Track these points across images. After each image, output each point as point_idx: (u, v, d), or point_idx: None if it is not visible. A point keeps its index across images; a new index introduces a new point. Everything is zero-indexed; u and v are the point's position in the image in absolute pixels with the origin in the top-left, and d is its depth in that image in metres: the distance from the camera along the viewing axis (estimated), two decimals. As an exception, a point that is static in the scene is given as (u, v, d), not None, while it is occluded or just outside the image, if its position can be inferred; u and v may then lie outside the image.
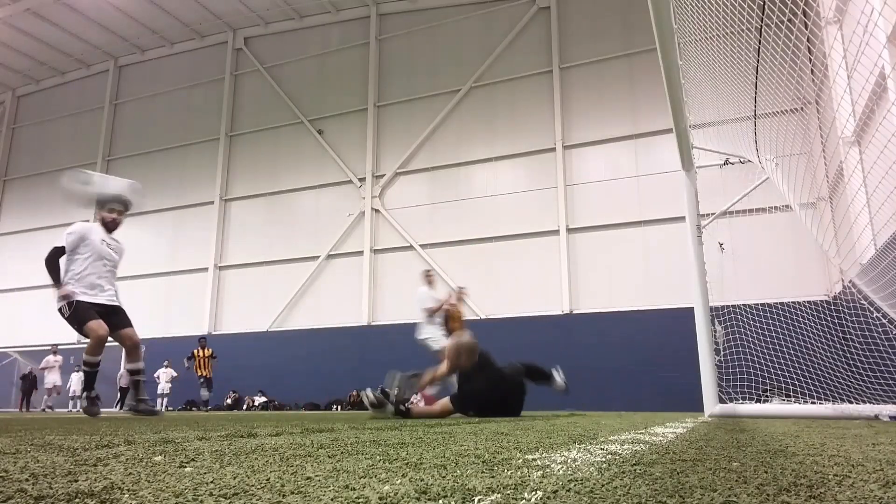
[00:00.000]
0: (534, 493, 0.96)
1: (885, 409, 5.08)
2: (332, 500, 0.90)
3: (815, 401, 6.03)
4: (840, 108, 7.44)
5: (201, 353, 15.82)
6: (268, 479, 1.09)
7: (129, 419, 4.62)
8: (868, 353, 6.79)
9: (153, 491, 0.96)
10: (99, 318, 5.29)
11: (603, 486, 1.05)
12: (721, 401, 6.09)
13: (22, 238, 23.39)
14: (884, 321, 5.82)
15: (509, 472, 1.20)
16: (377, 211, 18.15)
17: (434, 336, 8.30)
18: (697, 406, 6.28)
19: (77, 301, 5.27)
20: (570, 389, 6.38)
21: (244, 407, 17.35)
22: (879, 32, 5.53)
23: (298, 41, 20.73)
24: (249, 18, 20.96)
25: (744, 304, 8.21)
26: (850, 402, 5.70)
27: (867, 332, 7.14)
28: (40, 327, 20.58)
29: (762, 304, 8.30)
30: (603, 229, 15.53)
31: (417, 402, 7.22)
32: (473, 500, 0.91)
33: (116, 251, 5.77)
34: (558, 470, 1.26)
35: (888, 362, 6.69)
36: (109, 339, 5.43)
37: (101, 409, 5.71)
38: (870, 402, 5.72)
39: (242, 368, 17.17)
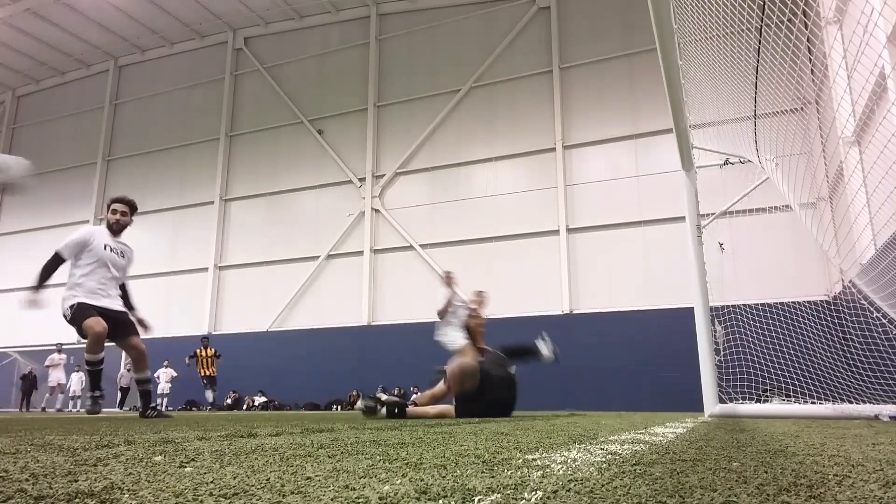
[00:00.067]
0: (534, 493, 0.96)
1: (885, 409, 5.08)
2: (332, 500, 0.90)
3: (815, 401, 6.03)
4: (840, 108, 7.44)
5: (204, 353, 15.76)
6: (268, 479, 1.09)
7: (129, 419, 4.63)
8: (868, 353, 6.79)
9: (153, 491, 0.96)
10: (97, 316, 5.11)
11: (603, 486, 1.05)
12: (721, 401, 6.09)
13: (22, 238, 23.40)
14: (884, 321, 5.82)
15: (509, 472, 1.20)
16: (377, 211, 18.15)
17: (452, 338, 8.26)
18: (697, 406, 6.28)
19: (78, 303, 5.13)
20: (560, 357, 6.37)
21: (244, 407, 17.35)
22: (879, 32, 5.53)
23: (298, 41, 20.73)
24: (249, 18, 20.96)
25: (744, 304, 8.21)
26: (850, 402, 5.70)
27: (867, 332, 7.14)
28: (40, 327, 20.55)
29: (762, 304, 8.30)
30: (603, 229, 15.53)
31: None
32: (473, 500, 0.91)
33: (123, 256, 5.51)
34: (558, 470, 1.26)
35: (888, 362, 6.69)
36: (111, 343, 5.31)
37: (102, 410, 5.66)
38: (870, 402, 5.72)
39: (242, 368, 17.16)
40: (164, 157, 21.92)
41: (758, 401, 7.05)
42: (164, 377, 17.23)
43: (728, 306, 7.84)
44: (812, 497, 0.97)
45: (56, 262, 5.18)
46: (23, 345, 21.82)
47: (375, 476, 1.15)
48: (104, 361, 5.30)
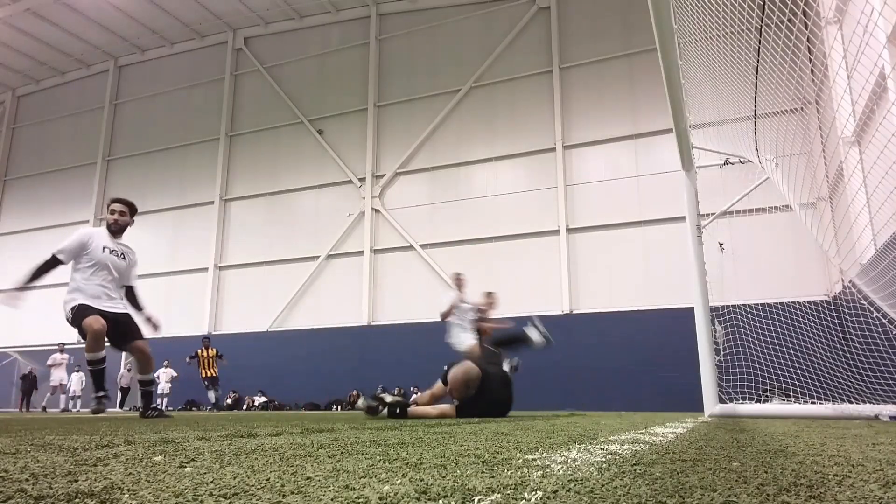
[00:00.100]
0: (534, 493, 0.96)
1: (885, 409, 5.08)
2: (332, 500, 0.90)
3: (815, 401, 6.03)
4: (840, 108, 7.44)
5: (205, 354, 15.70)
6: (268, 479, 1.09)
7: (129, 419, 4.63)
8: (868, 353, 6.79)
9: (153, 491, 0.96)
10: (96, 314, 5.02)
11: (603, 486, 1.05)
12: (721, 401, 6.09)
13: (22, 238, 23.40)
14: (884, 321, 5.82)
15: (509, 472, 1.20)
16: (377, 211, 18.15)
17: (461, 339, 8.19)
18: (697, 406, 6.28)
19: (79, 304, 5.05)
20: (553, 341, 6.35)
21: (244, 407, 17.35)
22: (879, 32, 5.53)
23: (298, 41, 20.73)
24: (249, 18, 20.96)
25: (744, 304, 8.21)
26: (850, 402, 5.70)
27: (867, 332, 7.14)
28: (40, 327, 20.57)
29: (762, 304, 8.30)
30: (603, 229, 15.53)
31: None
32: (473, 500, 0.91)
33: (125, 258, 5.37)
34: (558, 470, 1.26)
35: (888, 362, 6.69)
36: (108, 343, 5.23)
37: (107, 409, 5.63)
38: (870, 402, 5.73)
39: (242, 368, 17.16)
40: (164, 157, 21.92)
41: (758, 401, 7.05)
42: (164, 377, 17.22)
43: (728, 306, 7.84)
44: (812, 497, 0.97)
45: (52, 264, 5.11)
46: (23, 345, 21.82)
47: (375, 476, 1.15)
48: (106, 361, 5.20)
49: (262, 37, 21.41)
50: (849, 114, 8.01)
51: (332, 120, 19.53)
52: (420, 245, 17.27)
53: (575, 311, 15.18)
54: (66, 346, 17.48)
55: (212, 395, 15.76)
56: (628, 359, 13.89)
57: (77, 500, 0.89)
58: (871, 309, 6.16)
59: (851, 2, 6.64)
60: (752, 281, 12.46)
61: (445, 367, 5.36)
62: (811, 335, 8.00)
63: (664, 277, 14.18)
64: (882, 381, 6.27)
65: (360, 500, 0.90)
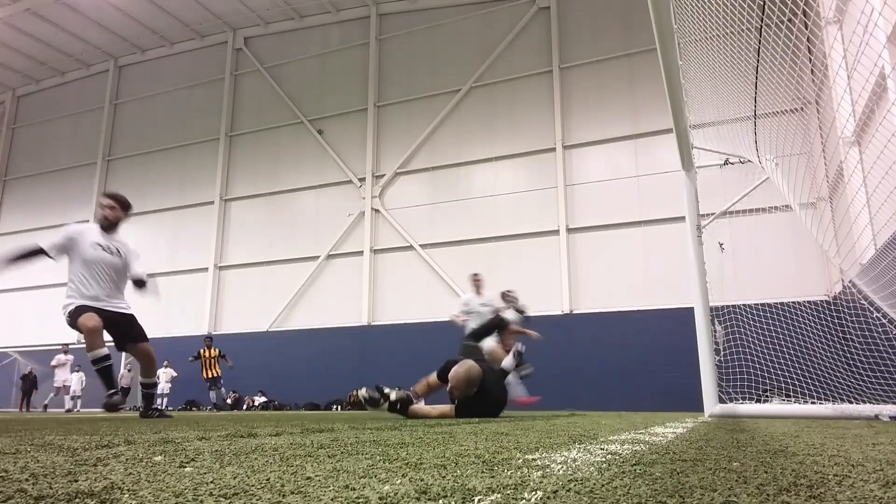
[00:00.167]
0: (534, 493, 0.96)
1: (885, 409, 5.08)
2: (332, 500, 0.90)
3: (815, 401, 6.03)
4: (840, 108, 7.44)
5: (207, 354, 15.66)
6: (268, 479, 1.09)
7: (129, 419, 4.62)
8: (868, 353, 6.79)
9: (153, 491, 0.96)
10: (90, 312, 4.86)
11: (603, 486, 1.05)
12: (721, 401, 6.09)
13: (22, 238, 23.35)
14: (884, 321, 5.82)
15: (509, 472, 1.20)
16: (377, 211, 18.15)
17: (484, 341, 8.10)
18: (697, 406, 6.28)
19: (76, 306, 4.93)
20: (527, 310, 6.38)
21: (244, 407, 17.35)
22: (879, 32, 5.53)
23: (298, 41, 20.73)
24: (249, 18, 20.96)
25: (744, 304, 8.21)
26: (850, 402, 5.70)
27: (867, 332, 7.14)
28: (40, 327, 20.58)
29: (762, 304, 8.30)
30: (603, 229, 15.53)
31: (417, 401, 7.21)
32: (473, 500, 0.91)
33: (119, 254, 5.17)
34: (558, 470, 1.26)
35: (888, 362, 6.69)
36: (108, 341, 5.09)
37: (100, 410, 5.59)
38: (870, 402, 5.73)
39: (242, 368, 17.14)
40: (164, 157, 21.92)
41: (758, 401, 7.05)
42: (164, 377, 17.21)
43: (728, 306, 7.84)
44: (812, 497, 0.97)
45: (36, 253, 4.95)
46: (23, 345, 21.82)
47: (375, 476, 1.15)
48: (110, 358, 5.02)
49: (262, 37, 21.41)
50: (849, 114, 8.01)
51: (332, 120, 19.53)
52: (420, 245, 17.27)
53: (575, 311, 15.18)
54: (69, 347, 17.48)
55: (213, 395, 15.73)
56: (628, 359, 13.89)
57: (77, 500, 0.89)
58: (871, 309, 6.16)
59: (851, 2, 6.64)
60: (752, 281, 12.45)
61: (446, 363, 5.37)
62: (811, 335, 8.00)
63: (664, 277, 14.18)
64: (882, 381, 6.27)
65: (360, 500, 0.90)
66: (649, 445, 1.99)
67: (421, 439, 2.19)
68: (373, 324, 17.31)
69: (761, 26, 4.06)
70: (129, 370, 17.20)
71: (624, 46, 16.24)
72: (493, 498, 0.92)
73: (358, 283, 17.75)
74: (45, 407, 17.25)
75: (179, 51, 22.62)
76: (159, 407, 5.39)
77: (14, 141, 25.45)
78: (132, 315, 5.31)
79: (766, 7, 3.78)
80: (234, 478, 1.12)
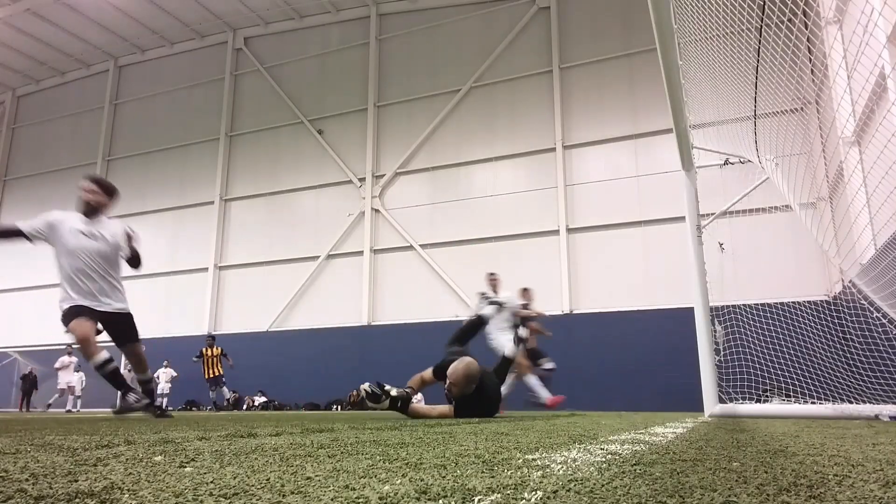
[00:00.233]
0: (534, 493, 0.96)
1: (885, 409, 5.08)
2: (332, 500, 0.90)
3: (815, 401, 6.03)
4: (840, 108, 7.44)
5: (209, 353, 15.62)
6: (268, 479, 1.09)
7: (129, 419, 4.62)
8: (868, 353, 6.79)
9: (153, 491, 0.96)
10: (81, 317, 4.62)
11: (603, 486, 1.05)
12: (721, 401, 6.09)
13: (21, 238, 23.36)
14: (884, 321, 5.82)
15: (509, 472, 1.20)
16: (377, 211, 18.15)
17: (502, 342, 7.74)
18: (697, 406, 6.28)
19: (69, 306, 4.68)
20: (504, 303, 6.38)
21: (244, 407, 17.34)
22: (879, 32, 5.54)
23: (298, 41, 20.73)
24: (249, 18, 20.96)
25: (744, 304, 8.20)
26: (850, 402, 5.70)
27: (867, 332, 7.14)
28: (40, 327, 20.59)
29: (762, 304, 8.30)
30: (603, 229, 15.53)
31: (418, 401, 7.21)
32: (473, 500, 0.91)
33: (103, 239, 4.78)
34: (558, 470, 1.26)
35: (888, 362, 6.69)
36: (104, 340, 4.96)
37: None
38: (870, 402, 5.72)
39: (242, 368, 17.14)
40: (164, 157, 21.93)
41: (758, 401, 7.05)
42: (163, 377, 17.22)
43: (728, 306, 7.83)
44: (812, 497, 0.97)
45: (12, 232, 4.75)
46: (23, 345, 21.82)
47: (375, 476, 1.15)
48: (112, 362, 4.82)
49: (262, 37, 21.41)
50: (849, 114, 8.01)
51: (332, 120, 19.53)
52: (420, 245, 17.27)
53: (575, 311, 15.18)
54: (73, 348, 17.47)
55: (214, 394, 15.71)
56: (628, 359, 13.89)
57: (77, 500, 0.89)
58: (871, 309, 6.16)
59: (851, 2, 6.64)
60: (752, 281, 12.45)
61: (442, 361, 5.37)
62: (811, 335, 8.00)
63: (664, 277, 14.18)
64: (882, 381, 6.27)
65: (360, 500, 0.90)
66: (649, 445, 1.99)
67: (421, 439, 2.19)
68: (373, 324, 17.31)
69: (761, 26, 4.06)
70: (129, 370, 17.19)
71: (624, 46, 16.24)
72: (493, 498, 0.92)
73: (358, 283, 17.75)
74: (49, 406, 17.23)
75: (179, 51, 22.63)
76: (160, 404, 5.20)
77: (14, 141, 25.45)
78: (129, 314, 5.04)
79: (766, 7, 3.78)
80: (234, 478, 1.12)
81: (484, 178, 17.22)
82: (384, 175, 18.30)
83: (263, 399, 17.47)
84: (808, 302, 9.07)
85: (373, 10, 19.58)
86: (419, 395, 7.42)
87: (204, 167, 20.94)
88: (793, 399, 6.82)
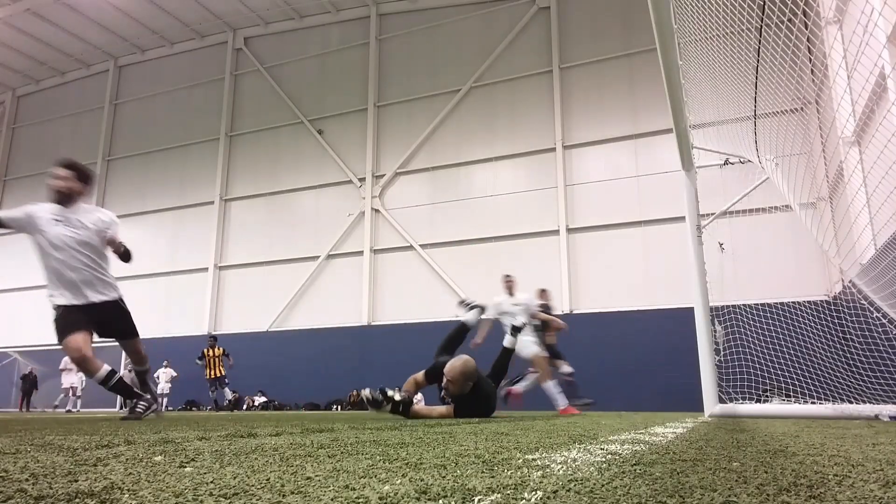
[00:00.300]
0: (534, 493, 0.96)
1: (885, 409, 5.08)
2: (332, 500, 0.90)
3: (815, 401, 6.03)
4: (840, 108, 7.45)
5: (211, 353, 15.59)
6: (268, 479, 1.09)
7: (129, 419, 4.61)
8: (868, 353, 6.79)
9: (153, 491, 0.96)
10: (76, 332, 4.37)
11: (603, 486, 1.05)
12: (721, 401, 6.09)
13: (22, 238, 23.28)
14: (884, 321, 5.82)
15: (509, 472, 1.20)
16: (377, 211, 18.15)
17: (523, 343, 7.77)
18: (697, 406, 6.28)
19: (59, 305, 4.43)
20: (485, 307, 6.44)
21: (244, 407, 17.34)
22: (879, 32, 5.54)
23: (298, 41, 20.73)
24: (249, 18, 20.96)
25: (744, 304, 8.21)
26: (850, 402, 5.70)
27: (867, 332, 7.14)
28: (40, 327, 20.57)
29: (762, 304, 8.30)
30: (603, 229, 15.53)
31: (418, 401, 7.21)
32: (473, 500, 0.91)
33: (83, 226, 4.48)
34: (558, 470, 1.26)
35: (888, 362, 6.69)
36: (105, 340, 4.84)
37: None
38: (870, 402, 5.72)
39: (242, 368, 17.14)
40: (164, 157, 21.93)
41: (758, 401, 7.05)
42: (163, 377, 17.21)
43: (728, 306, 7.83)
44: (812, 497, 0.97)
45: None
46: (23, 345, 21.82)
47: (375, 476, 1.15)
48: (114, 375, 4.60)
49: (262, 37, 21.41)
50: (849, 114, 8.01)
51: (332, 120, 19.53)
52: (420, 245, 17.27)
53: (575, 311, 15.18)
54: None
55: (215, 394, 15.68)
56: (628, 359, 13.89)
57: (77, 500, 0.89)
58: (871, 309, 6.16)
59: (851, 2, 6.64)
60: (752, 281, 12.45)
61: (433, 365, 5.39)
62: (811, 335, 8.00)
63: (664, 277, 14.18)
64: (882, 381, 6.27)
65: (360, 500, 0.90)
66: (649, 445, 1.99)
67: (421, 439, 2.19)
68: (373, 324, 17.31)
69: (761, 26, 4.06)
70: (129, 371, 17.20)
71: (624, 46, 16.24)
72: (493, 498, 0.92)
73: (358, 283, 17.75)
74: (56, 407, 17.19)
75: (179, 51, 22.63)
76: (155, 404, 4.88)
77: (14, 141, 25.45)
78: (117, 302, 4.68)
79: (766, 7, 3.78)
80: (234, 478, 1.12)
81: (484, 178, 17.22)
82: (384, 175, 18.30)
83: (263, 399, 17.47)
84: (808, 302, 9.08)
85: (373, 10, 19.58)
86: (419, 396, 7.41)
87: (204, 167, 20.94)
88: (793, 399, 6.82)
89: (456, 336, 6.10)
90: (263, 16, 20.78)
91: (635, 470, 1.28)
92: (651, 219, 14.95)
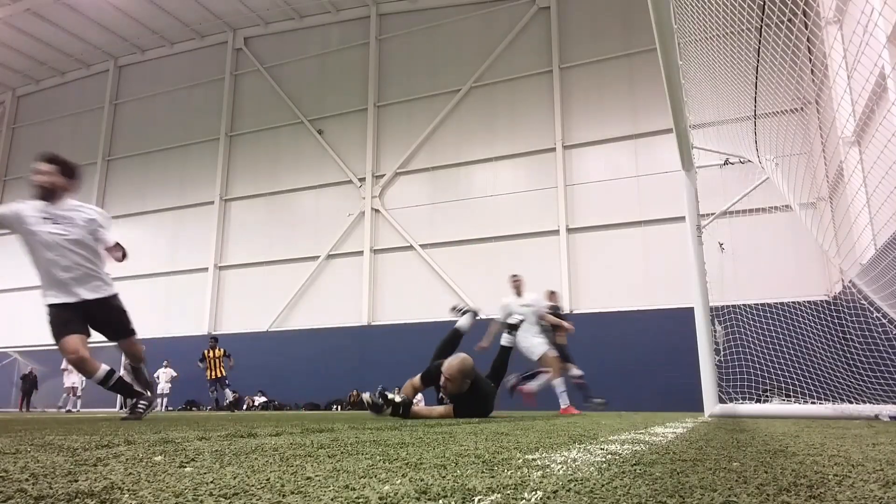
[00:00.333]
0: (534, 493, 0.96)
1: (885, 409, 5.08)
2: (332, 500, 0.90)
3: (815, 401, 6.03)
4: (840, 108, 7.45)
5: (212, 354, 15.57)
6: (268, 479, 1.09)
7: (129, 419, 4.61)
8: (868, 353, 6.78)
9: (153, 491, 0.96)
10: (71, 333, 4.28)
11: (603, 486, 1.05)
12: (721, 401, 6.09)
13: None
14: (884, 321, 5.82)
15: (509, 472, 1.20)
16: (377, 211, 18.15)
17: (532, 344, 7.69)
18: (697, 406, 6.28)
19: (51, 305, 4.34)
20: (477, 310, 6.47)
21: (244, 407, 17.34)
22: (879, 32, 5.53)
23: (298, 41, 20.73)
24: (249, 18, 20.96)
25: (744, 304, 8.20)
26: (850, 402, 5.70)
27: (867, 332, 7.14)
28: (40, 327, 20.53)
29: (762, 304, 8.30)
30: (603, 229, 15.53)
31: (418, 402, 7.22)
32: (473, 500, 0.91)
33: (71, 222, 4.34)
34: (558, 470, 1.26)
35: (888, 362, 6.69)
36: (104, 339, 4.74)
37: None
38: (870, 402, 5.72)
39: (242, 368, 17.13)
40: (164, 157, 21.92)
41: (758, 401, 7.05)
42: (163, 377, 17.20)
43: (728, 306, 7.83)
44: (812, 497, 0.97)
45: None
46: (23, 345, 21.82)
47: (375, 476, 1.15)
48: (113, 375, 4.52)
49: (262, 37, 21.41)
50: (849, 114, 8.01)
51: (332, 120, 19.53)
52: (420, 245, 17.27)
53: (575, 311, 15.18)
54: None
55: (215, 395, 15.67)
56: (628, 359, 13.89)
57: (77, 500, 0.89)
58: (871, 309, 6.16)
59: (851, 2, 6.64)
60: (752, 281, 12.45)
61: (429, 368, 5.40)
62: (811, 335, 8.00)
63: (664, 277, 14.18)
64: (882, 381, 6.27)
65: (360, 500, 0.90)
66: (649, 445, 1.99)
67: (421, 439, 2.19)
68: (373, 324, 17.31)
69: (761, 26, 4.06)
70: (129, 371, 17.18)
71: (624, 46, 16.25)
72: (493, 498, 0.92)
73: (358, 283, 17.75)
74: (60, 407, 17.16)
75: (179, 51, 22.63)
76: (152, 403, 4.72)
77: (14, 141, 25.46)
78: (111, 298, 4.57)
79: (766, 7, 3.78)
80: (234, 478, 1.12)
81: (484, 178, 17.22)
82: (384, 175, 18.30)
83: (263, 399, 17.47)
84: (808, 302, 9.07)
85: (373, 10, 19.58)
86: (419, 396, 7.41)
87: (204, 167, 20.94)
88: (793, 399, 6.82)
89: (450, 342, 6.11)
90: (263, 16, 20.78)
91: (635, 470, 1.28)
92: (651, 219, 14.95)
